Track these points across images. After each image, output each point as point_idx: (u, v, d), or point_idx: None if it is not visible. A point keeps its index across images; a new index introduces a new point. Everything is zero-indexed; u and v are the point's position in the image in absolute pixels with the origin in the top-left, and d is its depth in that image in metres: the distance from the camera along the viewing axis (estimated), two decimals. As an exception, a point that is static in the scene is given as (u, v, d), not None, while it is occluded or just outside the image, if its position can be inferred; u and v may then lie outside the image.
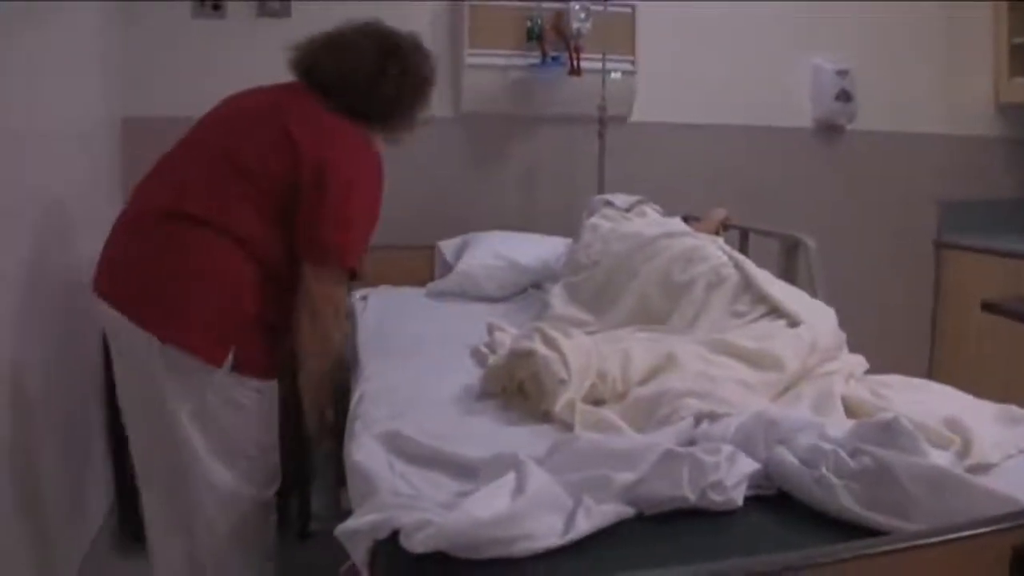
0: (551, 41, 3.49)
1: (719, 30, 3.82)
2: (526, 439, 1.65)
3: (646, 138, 3.77)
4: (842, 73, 3.88)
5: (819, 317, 2.21)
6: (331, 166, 2.05)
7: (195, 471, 2.11)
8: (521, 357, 1.89)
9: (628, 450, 1.38)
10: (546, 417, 1.79)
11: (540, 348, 1.85)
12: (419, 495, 1.36)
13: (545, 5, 3.49)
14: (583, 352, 1.88)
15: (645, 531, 1.29)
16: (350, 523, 1.31)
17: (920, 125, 4.06)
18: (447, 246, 3.41)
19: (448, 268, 3.30)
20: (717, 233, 3.01)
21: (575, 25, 3.40)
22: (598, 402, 1.86)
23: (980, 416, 1.76)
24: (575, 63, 3.47)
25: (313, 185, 2.04)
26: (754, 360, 1.97)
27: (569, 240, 3.06)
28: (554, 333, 1.91)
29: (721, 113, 3.85)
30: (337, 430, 2.26)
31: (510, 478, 1.28)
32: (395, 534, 1.23)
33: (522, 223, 3.58)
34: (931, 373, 3.90)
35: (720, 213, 3.14)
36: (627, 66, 3.63)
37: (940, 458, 1.38)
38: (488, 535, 1.15)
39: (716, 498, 1.31)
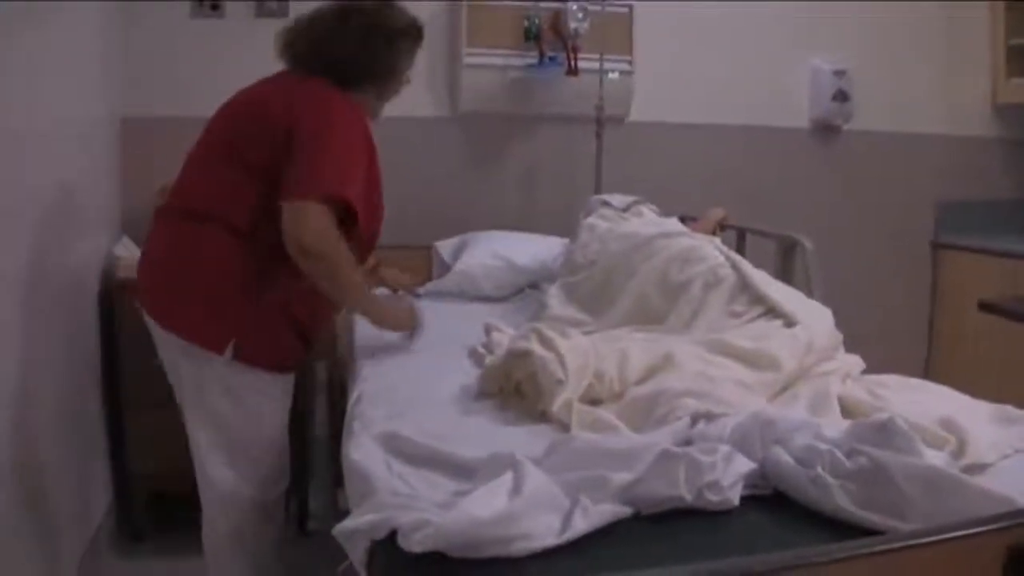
0: (549, 41, 3.50)
1: (716, 30, 3.83)
2: (523, 439, 1.66)
3: (644, 138, 3.78)
4: (839, 73, 3.88)
5: (816, 317, 2.22)
6: (297, 122, 2.04)
7: (199, 466, 2.18)
8: (518, 357, 1.90)
9: (625, 450, 1.39)
10: (543, 417, 1.80)
11: (537, 348, 1.86)
12: (417, 495, 1.36)
13: (543, 5, 3.50)
14: (580, 352, 1.89)
15: (642, 531, 1.29)
16: (348, 523, 1.31)
17: (917, 125, 4.07)
18: (444, 246, 3.41)
19: (446, 268, 3.31)
20: (714, 233, 3.02)
21: (573, 25, 3.41)
22: (595, 402, 1.86)
23: (976, 416, 1.77)
24: (573, 63, 3.47)
25: (284, 145, 2.02)
26: (751, 360, 1.98)
27: (567, 240, 3.07)
28: (551, 333, 1.91)
29: (718, 113, 3.86)
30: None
31: (507, 478, 1.28)
32: (393, 534, 1.23)
33: (520, 223, 3.58)
34: (928, 373, 3.90)
35: (717, 213, 3.15)
36: (624, 66, 3.64)
37: (935, 458, 1.39)
38: (486, 535, 1.16)
39: (712, 498, 1.32)
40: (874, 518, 1.27)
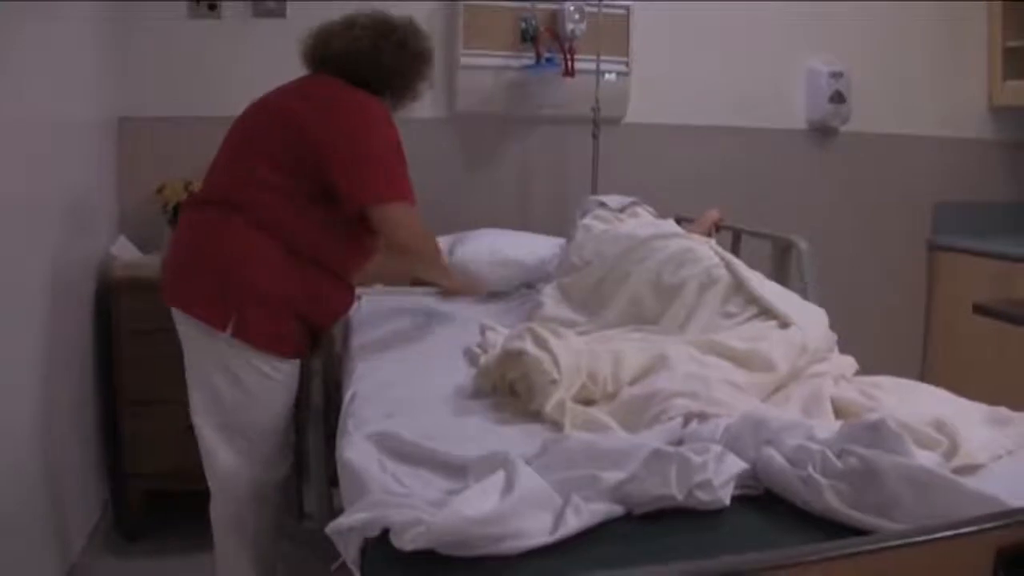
0: (545, 42, 3.50)
1: (713, 32, 3.83)
2: (517, 438, 1.67)
3: (640, 139, 3.78)
4: (836, 75, 3.88)
5: (810, 318, 2.22)
6: (339, 127, 2.20)
7: (202, 446, 2.25)
8: (512, 357, 1.90)
9: (617, 449, 1.39)
10: (537, 417, 1.80)
11: (531, 348, 1.86)
12: (410, 494, 1.37)
13: (539, 6, 3.51)
14: (573, 352, 1.89)
15: (633, 530, 1.30)
16: (341, 521, 1.31)
17: (914, 127, 4.07)
18: (440, 244, 3.40)
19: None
20: (710, 234, 3.02)
21: (569, 26, 3.41)
22: (589, 402, 1.87)
23: (969, 417, 1.77)
24: (569, 64, 3.48)
25: (329, 144, 2.17)
26: (744, 361, 1.99)
27: (563, 240, 3.07)
28: (545, 333, 1.91)
29: (715, 115, 3.86)
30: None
31: (499, 477, 1.29)
32: (385, 532, 1.23)
33: (516, 223, 3.58)
34: (923, 375, 3.91)
35: (713, 214, 3.15)
36: (621, 67, 3.65)
37: (926, 459, 1.39)
38: (477, 533, 1.16)
39: (703, 497, 1.32)
40: (865, 518, 1.28)
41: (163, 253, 2.62)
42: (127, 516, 3.09)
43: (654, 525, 1.31)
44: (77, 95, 2.91)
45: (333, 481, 1.85)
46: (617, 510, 1.31)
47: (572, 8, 3.42)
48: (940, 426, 1.64)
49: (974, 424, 1.74)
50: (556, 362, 1.83)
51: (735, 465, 1.40)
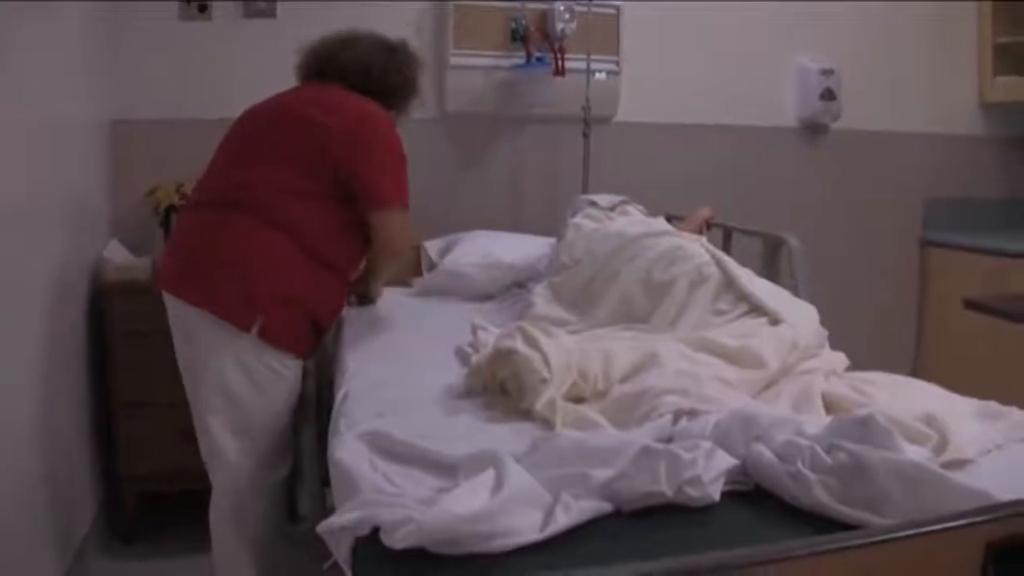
0: (535, 42, 3.51)
1: (704, 30, 3.84)
2: (507, 437, 1.66)
3: (631, 138, 3.79)
4: (827, 72, 3.89)
5: (800, 315, 2.23)
6: (361, 135, 2.31)
7: (209, 442, 2.27)
8: (503, 356, 1.90)
9: (606, 447, 1.40)
10: (527, 415, 1.80)
11: (521, 347, 1.86)
12: (400, 493, 1.37)
13: (530, 6, 3.51)
14: (564, 351, 1.89)
15: (622, 527, 1.30)
16: (333, 520, 1.31)
17: (905, 124, 4.08)
18: (432, 245, 3.41)
19: (434, 267, 3.30)
20: (701, 232, 3.03)
21: (559, 26, 3.42)
22: (580, 400, 1.87)
23: (959, 412, 1.78)
24: (559, 64, 3.48)
25: (350, 155, 2.28)
26: (735, 358, 1.99)
27: (554, 240, 3.07)
28: (535, 332, 1.92)
29: (706, 113, 3.87)
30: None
31: (489, 475, 1.29)
32: (376, 531, 1.23)
33: (507, 223, 3.59)
34: (916, 371, 3.92)
35: (704, 212, 3.15)
36: (611, 66, 3.65)
37: (916, 454, 1.39)
38: (467, 531, 1.16)
39: (693, 493, 1.32)
40: (854, 513, 1.28)
41: (156, 252, 2.66)
42: (122, 518, 3.09)
43: (643, 522, 1.31)
44: (70, 98, 2.90)
45: (326, 481, 1.86)
46: (607, 507, 1.31)
47: (562, 8, 3.42)
48: (930, 421, 1.65)
49: (964, 419, 1.74)
50: (547, 361, 1.83)
51: (725, 461, 1.41)
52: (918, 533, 1.12)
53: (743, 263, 2.49)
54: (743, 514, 1.36)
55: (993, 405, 1.82)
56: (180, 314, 2.28)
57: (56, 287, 2.66)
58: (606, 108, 3.67)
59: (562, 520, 1.23)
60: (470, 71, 3.56)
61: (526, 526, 1.20)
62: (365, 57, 2.49)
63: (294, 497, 3.02)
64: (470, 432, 1.72)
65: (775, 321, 2.18)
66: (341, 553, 1.33)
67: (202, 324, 2.21)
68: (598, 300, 2.49)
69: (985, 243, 3.86)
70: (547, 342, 1.89)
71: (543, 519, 1.24)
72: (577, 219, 2.90)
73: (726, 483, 1.40)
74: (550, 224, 3.37)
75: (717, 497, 1.35)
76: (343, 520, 1.28)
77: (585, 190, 3.52)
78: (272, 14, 3.42)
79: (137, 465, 3.03)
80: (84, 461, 2.94)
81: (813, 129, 4.03)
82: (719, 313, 2.30)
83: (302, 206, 2.27)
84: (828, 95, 3.89)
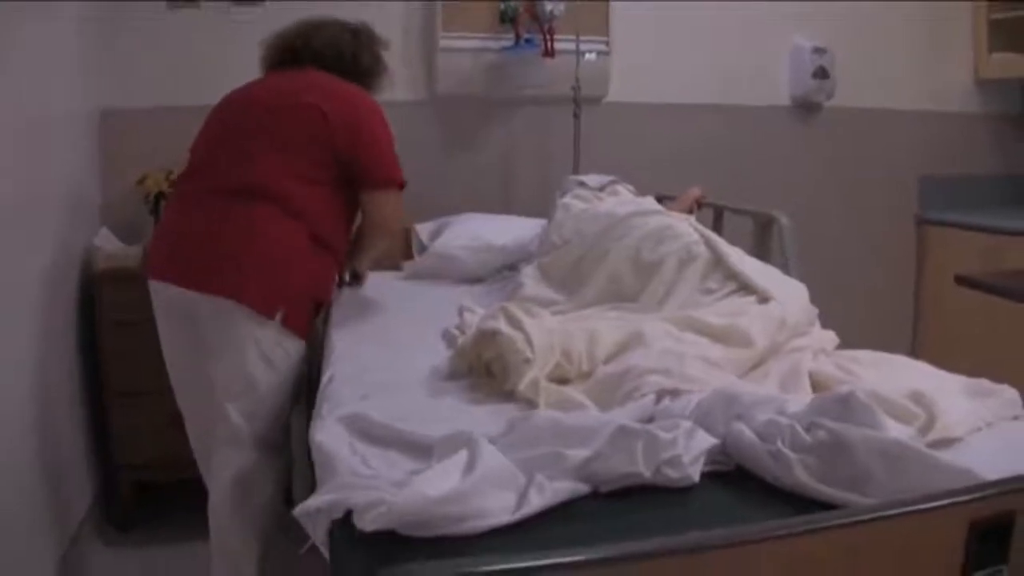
0: (525, 23, 3.48)
1: (695, 9, 3.79)
2: (488, 418, 1.64)
3: (622, 118, 3.75)
4: (819, 51, 3.86)
5: (790, 293, 2.21)
6: (358, 118, 2.38)
7: (223, 428, 2.27)
8: (486, 337, 1.88)
9: (583, 426, 1.37)
10: (511, 397, 1.78)
11: (504, 328, 1.85)
12: (376, 475, 1.35)
13: (519, -13, 3.47)
14: (546, 331, 1.87)
15: (600, 508, 1.28)
16: (308, 503, 1.30)
17: (899, 102, 4.04)
18: (423, 229, 3.39)
19: (424, 251, 3.28)
20: (691, 212, 3.00)
21: (548, 7, 3.39)
22: (564, 381, 1.85)
23: (949, 390, 1.75)
24: (549, 45, 3.45)
25: (351, 138, 2.35)
26: (722, 336, 1.97)
27: (545, 221, 3.05)
28: (519, 313, 1.90)
29: (698, 93, 3.84)
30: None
31: (462, 456, 1.27)
32: (350, 514, 1.22)
33: (499, 205, 3.58)
34: (914, 350, 3.90)
35: (694, 192, 3.13)
36: (601, 47, 3.61)
37: (899, 431, 1.37)
38: (438, 513, 1.14)
39: (672, 474, 1.30)
40: (836, 493, 1.25)
41: (148, 240, 2.66)
42: (118, 507, 3.09)
43: (621, 503, 1.29)
44: (60, 88, 2.90)
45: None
46: (583, 488, 1.29)
47: (551, -12, 3.38)
48: (918, 398, 1.62)
49: (954, 397, 1.71)
50: (529, 341, 1.81)
51: (705, 441, 1.38)
52: (901, 512, 1.10)
53: (734, 242, 2.47)
54: (723, 495, 1.34)
55: (984, 383, 1.79)
56: (179, 302, 2.28)
57: (50, 277, 2.68)
58: (596, 89, 3.64)
59: (535, 502, 1.21)
60: (459, 53, 3.54)
61: (498, 508, 1.18)
62: (335, 40, 2.55)
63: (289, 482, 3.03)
64: (452, 414, 1.71)
65: (764, 299, 2.16)
66: (318, 536, 1.32)
67: (226, 315, 2.22)
68: (586, 280, 2.46)
69: (981, 220, 3.83)
70: (530, 323, 1.87)
71: (516, 500, 1.22)
72: (566, 199, 2.88)
73: (707, 463, 1.38)
74: (542, 206, 3.34)
75: (697, 478, 1.33)
76: (317, 503, 1.27)
77: (576, 171, 3.49)
78: (259, 2, 3.39)
79: (131, 454, 3.03)
80: (79, 450, 2.94)
81: (806, 108, 3.99)
82: (708, 292, 2.28)
83: (311, 192, 2.31)
84: (821, 73, 3.85)
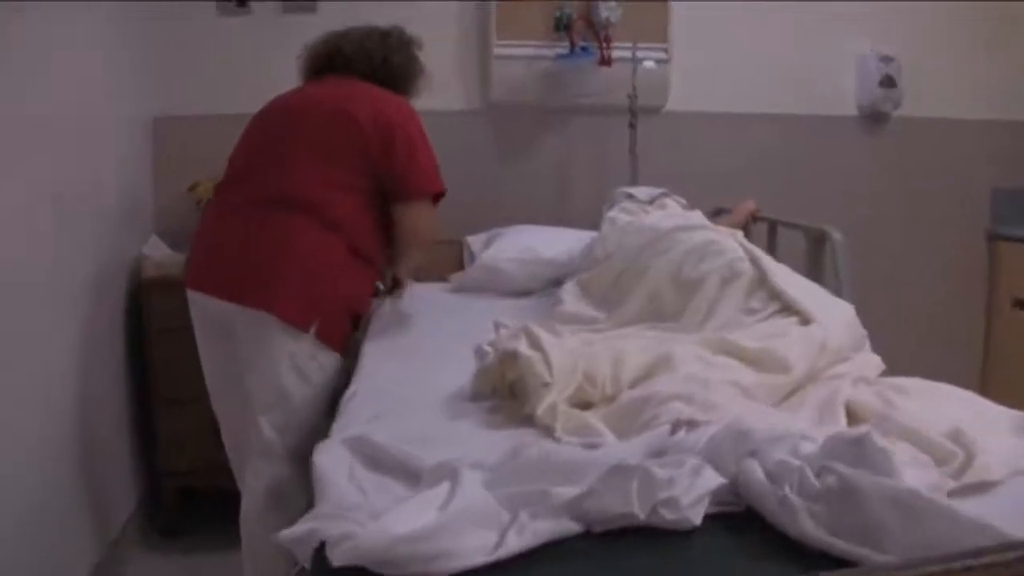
0: (580, 31, 3.42)
1: (758, 16, 3.68)
2: (503, 444, 1.55)
3: (682, 128, 3.67)
4: (886, 59, 3.72)
5: (834, 314, 2.08)
6: (392, 126, 2.34)
7: (255, 442, 2.26)
8: (508, 358, 1.82)
9: (571, 462, 1.29)
10: (530, 420, 1.70)
11: (524, 349, 1.78)
12: (362, 505, 1.30)
13: (572, -6, 3.41)
14: (567, 352, 1.80)
15: (591, 547, 1.20)
16: (294, 529, 1.26)
17: (970, 111, 3.86)
18: (475, 241, 3.35)
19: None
20: (746, 226, 2.90)
21: (604, 14, 3.34)
22: (587, 405, 1.77)
23: (995, 425, 1.63)
24: (605, 53, 3.38)
25: (384, 147, 2.32)
26: (756, 361, 1.86)
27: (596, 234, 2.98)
28: (540, 332, 1.83)
29: (761, 102, 3.73)
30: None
31: (443, 489, 1.21)
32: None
33: (553, 217, 3.51)
34: (984, 377, 3.71)
35: (748, 205, 3.04)
36: (660, 55, 3.53)
37: (917, 479, 1.25)
38: (404, 552, 1.07)
39: (668, 516, 1.20)
40: (844, 546, 1.14)
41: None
42: (161, 512, 3.12)
43: (616, 544, 1.20)
44: (113, 96, 2.96)
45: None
46: (574, 527, 1.21)
47: (607, -5, 3.32)
48: (956, 436, 1.52)
49: (1000, 433, 1.60)
50: (548, 363, 1.73)
51: (712, 480, 1.29)
52: (913, 573, 0.99)
53: (789, 259, 2.38)
54: (726, 539, 1.23)
55: (1035, 418, 1.66)
56: (214, 312, 2.29)
57: (100, 284, 2.73)
58: (655, 98, 3.55)
59: (513, 543, 1.13)
60: (514, 61, 3.50)
61: (473, 548, 1.11)
62: (363, 43, 2.53)
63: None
64: (464, 438, 1.64)
65: (806, 320, 2.05)
66: (307, 562, 1.27)
67: (260, 326, 2.21)
68: (626, 296, 2.38)
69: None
70: (550, 343, 1.79)
71: (497, 539, 1.15)
72: (612, 212, 2.81)
73: (714, 504, 1.28)
74: (597, 218, 3.26)
75: (698, 521, 1.23)
76: (297, 531, 1.23)
77: (633, 182, 3.40)
78: (312, 9, 3.42)
79: (176, 460, 3.06)
80: (124, 454, 2.98)
81: (873, 117, 3.84)
82: (751, 312, 2.17)
83: (348, 201, 2.30)
84: (888, 82, 3.71)
